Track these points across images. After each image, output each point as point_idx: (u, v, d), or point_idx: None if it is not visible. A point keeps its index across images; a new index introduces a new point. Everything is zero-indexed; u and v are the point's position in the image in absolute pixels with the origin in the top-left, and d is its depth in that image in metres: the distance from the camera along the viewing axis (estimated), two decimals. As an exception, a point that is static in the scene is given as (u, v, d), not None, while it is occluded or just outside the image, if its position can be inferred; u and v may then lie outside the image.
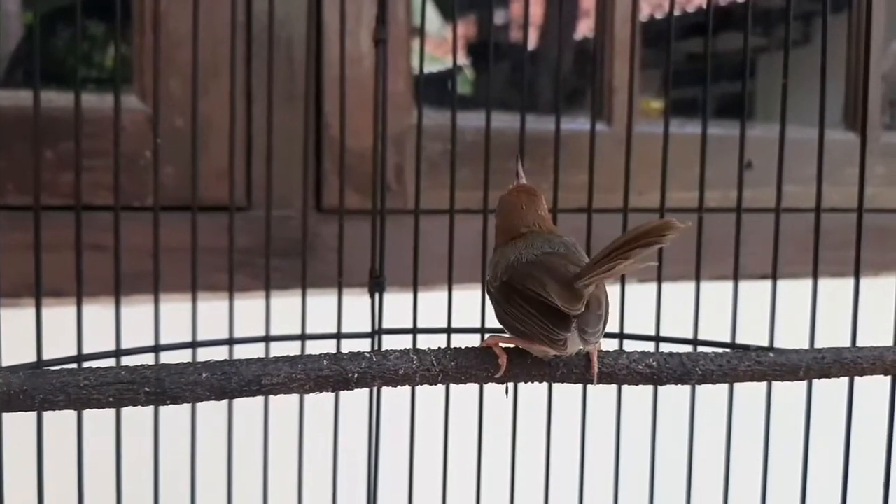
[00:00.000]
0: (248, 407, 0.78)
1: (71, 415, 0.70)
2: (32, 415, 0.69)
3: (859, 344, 0.75)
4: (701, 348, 0.79)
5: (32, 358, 0.71)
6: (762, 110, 1.96)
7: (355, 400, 0.84)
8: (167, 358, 0.73)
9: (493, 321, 0.86)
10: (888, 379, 0.75)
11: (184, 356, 0.80)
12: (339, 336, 0.88)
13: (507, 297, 0.64)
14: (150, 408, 0.70)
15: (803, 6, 1.89)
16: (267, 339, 0.87)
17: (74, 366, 0.71)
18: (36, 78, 0.72)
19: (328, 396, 0.75)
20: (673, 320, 0.85)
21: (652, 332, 0.85)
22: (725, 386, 0.77)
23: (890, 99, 1.73)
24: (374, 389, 0.89)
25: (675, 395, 0.80)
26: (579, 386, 0.74)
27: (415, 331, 0.87)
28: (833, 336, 0.75)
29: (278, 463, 0.90)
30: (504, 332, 0.67)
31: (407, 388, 0.70)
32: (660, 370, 0.70)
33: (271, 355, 0.68)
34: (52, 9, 1.35)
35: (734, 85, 1.75)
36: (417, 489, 0.91)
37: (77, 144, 0.76)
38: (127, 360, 0.73)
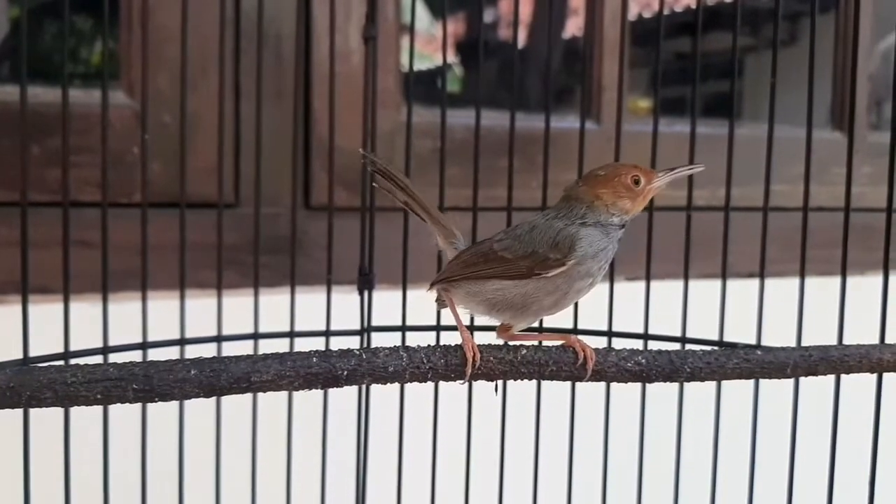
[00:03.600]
0: (236, 404, 0.78)
1: (58, 412, 0.70)
2: (19, 412, 0.69)
3: (846, 342, 0.75)
4: (689, 346, 0.80)
5: (19, 355, 0.70)
6: (750, 110, 1.97)
7: (344, 397, 0.84)
8: (155, 355, 0.73)
9: (482, 320, 0.87)
10: (874, 376, 0.75)
11: (172, 353, 0.80)
12: (327, 333, 0.88)
13: None
14: (138, 405, 0.70)
15: (791, 6, 1.89)
16: (255, 336, 0.87)
17: (62, 363, 0.71)
18: (22, 73, 0.71)
19: (317, 394, 0.75)
20: (661, 318, 0.85)
21: (640, 330, 0.85)
22: (713, 383, 0.78)
23: (876, 99, 1.74)
24: (364, 387, 0.89)
25: (663, 393, 0.80)
26: (568, 383, 0.74)
27: (404, 328, 0.87)
28: (820, 334, 0.76)
29: (267, 460, 0.89)
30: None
31: (396, 386, 0.70)
32: (648, 368, 0.70)
33: (260, 353, 0.68)
34: (38, 4, 1.34)
35: (722, 84, 1.76)
36: (406, 486, 0.91)
37: (64, 140, 0.75)
38: (114, 358, 0.73)
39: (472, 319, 0.82)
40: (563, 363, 0.69)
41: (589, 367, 0.69)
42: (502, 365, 0.68)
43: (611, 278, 0.86)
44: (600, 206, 0.70)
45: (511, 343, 0.71)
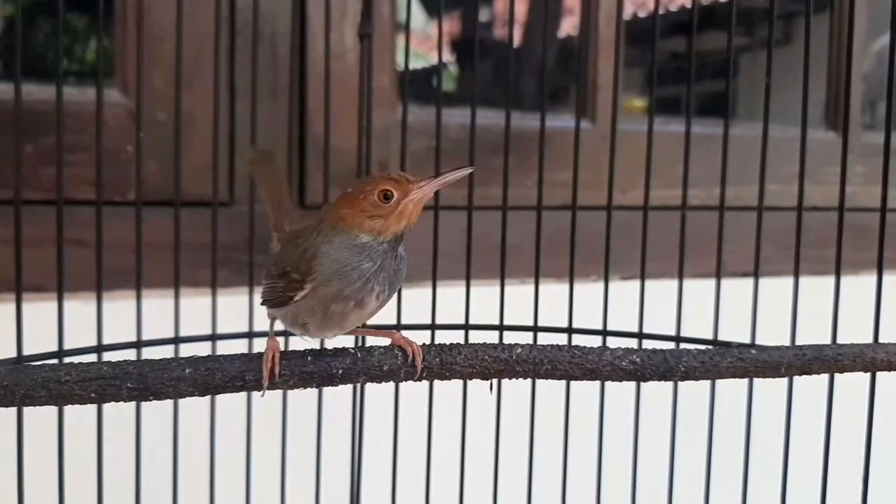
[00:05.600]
0: (231, 403, 0.78)
1: (52, 411, 0.70)
2: (12, 410, 0.69)
3: (840, 341, 0.76)
4: (684, 345, 0.80)
5: (13, 353, 0.70)
6: (744, 109, 1.97)
7: (339, 396, 0.84)
8: (149, 354, 0.73)
9: (476, 318, 0.87)
10: (868, 376, 0.76)
11: (166, 352, 0.80)
12: (322, 332, 0.88)
13: None
14: (133, 404, 0.69)
15: (785, 6, 1.90)
16: (250, 335, 0.86)
17: (56, 361, 0.71)
18: (17, 71, 0.71)
19: (312, 392, 0.75)
20: (656, 317, 0.85)
21: (635, 329, 0.85)
22: (708, 382, 0.78)
23: (870, 99, 1.74)
24: (358, 386, 0.89)
25: (658, 392, 0.81)
26: (563, 382, 0.74)
27: (399, 327, 0.87)
28: (814, 333, 0.76)
29: (261, 459, 0.89)
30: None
31: (391, 385, 0.70)
32: (643, 367, 0.70)
33: (255, 351, 0.68)
34: (33, 1, 1.34)
35: (716, 84, 1.76)
36: (401, 485, 0.91)
37: (58, 138, 0.75)
38: (109, 356, 0.73)
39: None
40: (559, 362, 0.69)
41: (418, 365, 0.66)
42: (497, 364, 0.68)
43: (606, 277, 0.86)
44: (344, 228, 0.63)
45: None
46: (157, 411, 0.78)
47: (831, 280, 0.78)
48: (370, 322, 0.68)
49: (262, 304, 0.69)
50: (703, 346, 0.75)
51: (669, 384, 0.75)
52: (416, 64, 1.80)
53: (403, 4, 0.92)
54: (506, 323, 0.87)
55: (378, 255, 0.63)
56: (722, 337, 0.81)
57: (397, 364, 0.67)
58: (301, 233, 0.67)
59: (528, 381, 0.74)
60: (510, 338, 0.75)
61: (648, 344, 0.78)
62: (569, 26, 1.96)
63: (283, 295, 0.64)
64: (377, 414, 0.92)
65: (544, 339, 0.78)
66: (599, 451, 0.90)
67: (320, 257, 0.62)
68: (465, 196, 0.87)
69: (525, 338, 0.77)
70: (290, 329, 0.68)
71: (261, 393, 0.64)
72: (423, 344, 0.69)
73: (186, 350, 0.75)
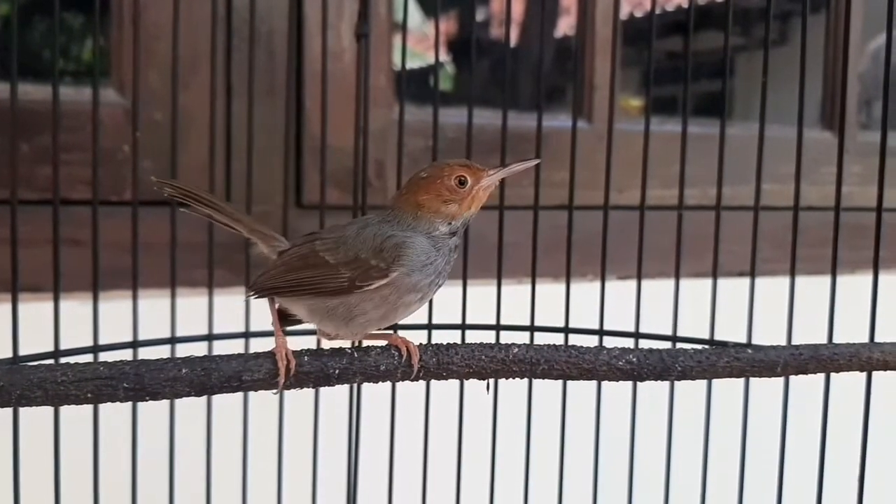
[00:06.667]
0: (227, 404, 0.78)
1: (48, 411, 0.70)
2: (8, 411, 0.68)
3: (836, 340, 0.76)
4: (680, 345, 0.80)
5: (9, 353, 0.70)
6: (740, 109, 1.97)
7: (336, 396, 0.84)
8: (146, 354, 0.72)
9: (473, 318, 0.87)
10: (863, 375, 0.76)
11: (163, 352, 0.79)
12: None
13: None
14: (129, 404, 0.69)
15: (782, 6, 1.90)
16: (247, 335, 0.86)
17: (52, 361, 0.71)
18: (13, 71, 0.71)
19: (308, 392, 0.75)
20: (652, 317, 0.85)
21: (632, 329, 0.85)
22: (704, 382, 0.78)
23: (866, 98, 1.74)
24: (355, 386, 0.89)
25: (654, 391, 0.81)
26: (559, 382, 0.74)
27: (396, 327, 0.87)
28: (810, 333, 0.76)
29: (258, 459, 0.89)
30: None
31: (388, 385, 0.70)
32: (640, 366, 0.70)
33: (251, 351, 0.68)
34: (29, 0, 1.33)
35: (713, 83, 1.76)
36: (397, 485, 0.91)
37: (54, 138, 0.75)
38: (105, 356, 0.73)
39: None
40: (555, 362, 0.69)
41: (415, 364, 0.66)
42: (494, 363, 0.68)
43: (602, 277, 0.86)
44: (425, 215, 0.65)
45: (332, 345, 0.68)
46: (153, 412, 0.78)
47: (827, 279, 0.78)
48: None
49: (293, 292, 0.66)
50: (699, 346, 0.75)
51: (666, 384, 0.75)
52: (412, 63, 1.80)
53: (400, 4, 0.92)
54: (502, 323, 0.87)
55: (447, 251, 0.65)
56: (718, 336, 0.81)
57: (394, 364, 0.67)
58: (358, 222, 0.67)
59: (525, 380, 0.74)
60: (507, 337, 0.75)
61: (645, 343, 0.78)
62: (565, 26, 1.96)
63: (349, 284, 0.63)
64: (374, 414, 0.91)
65: (541, 338, 0.78)
66: (596, 451, 0.90)
67: (408, 246, 0.63)
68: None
69: (522, 337, 0.77)
70: (319, 325, 0.68)
71: (275, 391, 0.64)
72: (420, 344, 0.69)
73: (183, 350, 0.75)
